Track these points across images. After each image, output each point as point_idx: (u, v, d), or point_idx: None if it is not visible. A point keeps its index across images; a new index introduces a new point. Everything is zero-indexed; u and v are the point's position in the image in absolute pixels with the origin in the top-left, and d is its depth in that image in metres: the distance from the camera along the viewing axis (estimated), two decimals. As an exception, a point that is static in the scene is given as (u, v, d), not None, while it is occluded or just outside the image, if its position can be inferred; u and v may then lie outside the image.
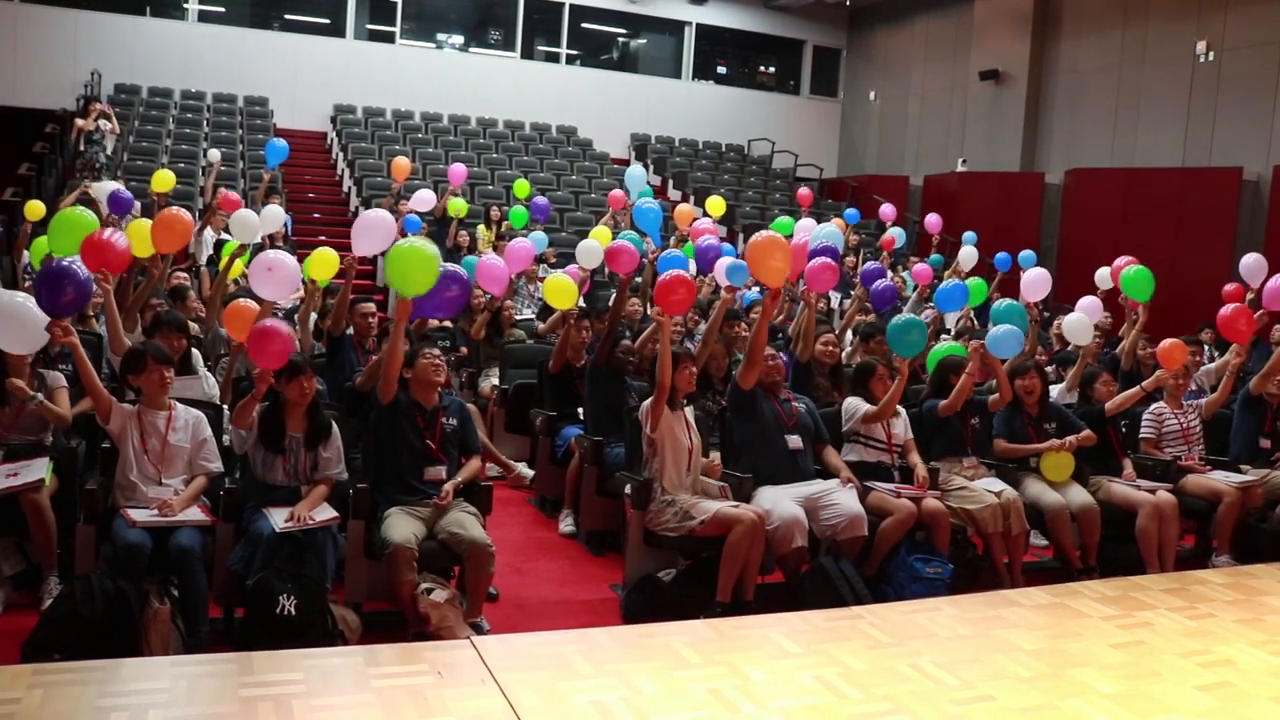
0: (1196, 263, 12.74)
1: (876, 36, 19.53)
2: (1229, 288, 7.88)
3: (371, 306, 6.12)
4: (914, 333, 5.35)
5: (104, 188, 8.84)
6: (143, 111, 14.44)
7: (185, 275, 7.77)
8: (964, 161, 16.95)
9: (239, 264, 6.48)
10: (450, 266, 4.68)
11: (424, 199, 10.24)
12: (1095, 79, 15.15)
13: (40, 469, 4.28)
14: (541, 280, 9.29)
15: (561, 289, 6.14)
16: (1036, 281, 7.04)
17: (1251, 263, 7.52)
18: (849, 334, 7.29)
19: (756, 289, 8.21)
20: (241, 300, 5.29)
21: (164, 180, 9.24)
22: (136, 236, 5.39)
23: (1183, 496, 5.57)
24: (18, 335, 4.08)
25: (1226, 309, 6.14)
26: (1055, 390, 6.31)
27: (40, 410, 4.49)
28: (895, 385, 5.20)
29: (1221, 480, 5.70)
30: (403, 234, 10.20)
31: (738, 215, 14.85)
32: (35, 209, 7.89)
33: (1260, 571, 5.00)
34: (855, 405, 5.36)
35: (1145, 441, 6.08)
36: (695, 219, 8.80)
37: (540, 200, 11.30)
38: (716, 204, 10.54)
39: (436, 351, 4.67)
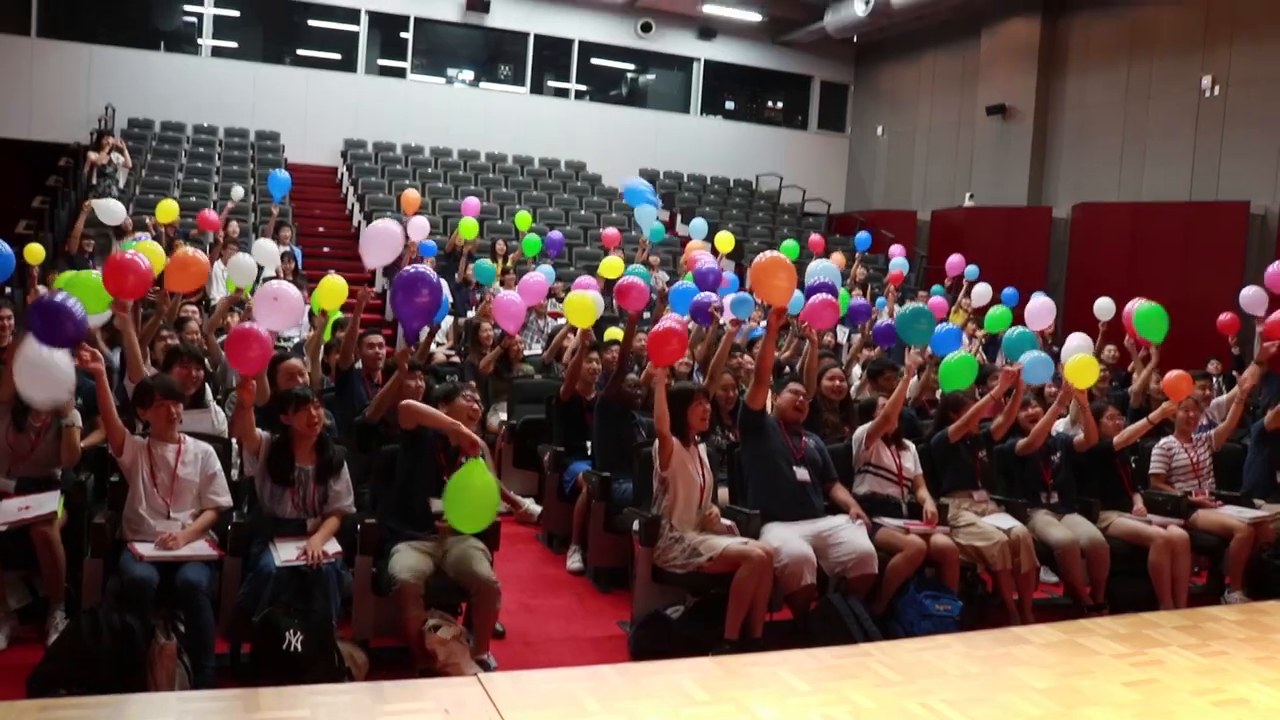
0: (1205, 297, 12.68)
1: (883, 72, 19.65)
2: (1224, 317, 7.85)
3: (379, 339, 6.14)
4: (923, 321, 5.37)
5: (106, 205, 8.89)
6: (155, 145, 14.57)
7: (195, 309, 7.80)
8: (971, 196, 16.99)
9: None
10: (419, 269, 4.71)
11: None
12: (1102, 114, 15.20)
13: (52, 502, 4.29)
14: (552, 316, 9.31)
15: (582, 307, 6.00)
16: (1040, 311, 7.03)
17: (1252, 294, 7.50)
18: (856, 368, 7.28)
19: (762, 323, 8.21)
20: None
21: (168, 211, 9.33)
22: (149, 255, 5.28)
23: (1194, 532, 5.54)
24: (43, 390, 4.00)
25: (1275, 317, 6.20)
26: (1061, 424, 6.28)
27: (66, 434, 4.51)
28: (901, 383, 5.22)
29: (1233, 515, 5.67)
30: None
31: (746, 250, 14.89)
32: (35, 253, 7.94)
33: (1273, 608, 4.96)
34: (864, 430, 5.36)
35: (1155, 476, 6.06)
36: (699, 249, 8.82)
37: (555, 235, 11.37)
38: (725, 240, 10.57)
39: (475, 395, 4.70)
